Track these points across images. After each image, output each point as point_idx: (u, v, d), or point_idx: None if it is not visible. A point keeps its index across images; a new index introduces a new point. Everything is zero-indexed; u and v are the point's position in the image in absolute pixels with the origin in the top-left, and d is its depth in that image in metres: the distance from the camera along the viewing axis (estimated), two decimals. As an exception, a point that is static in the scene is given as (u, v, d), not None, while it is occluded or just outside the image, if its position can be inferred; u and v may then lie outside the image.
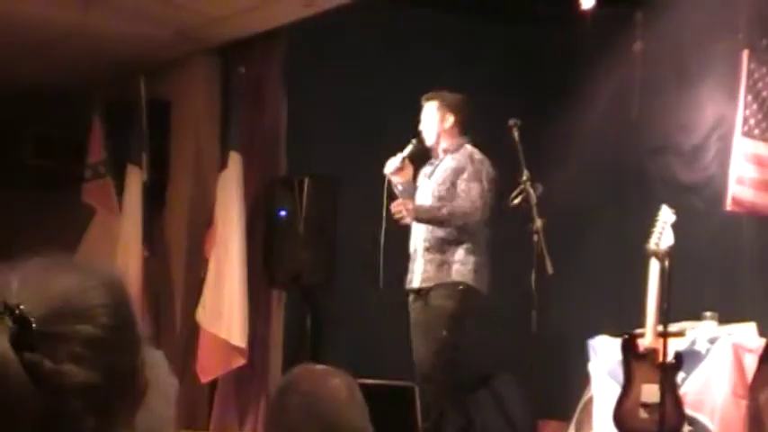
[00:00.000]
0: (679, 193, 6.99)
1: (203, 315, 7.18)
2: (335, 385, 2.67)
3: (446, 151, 6.31)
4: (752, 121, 6.34)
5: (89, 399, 1.14)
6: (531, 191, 5.85)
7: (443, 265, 6.14)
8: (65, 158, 8.24)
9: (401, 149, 6.32)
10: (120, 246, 7.46)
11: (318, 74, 7.33)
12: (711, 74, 7.04)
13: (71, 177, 7.92)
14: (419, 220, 6.21)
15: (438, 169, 6.31)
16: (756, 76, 6.37)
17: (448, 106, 6.32)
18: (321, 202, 7.02)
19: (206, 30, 7.25)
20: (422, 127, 6.34)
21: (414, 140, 6.33)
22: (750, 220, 6.63)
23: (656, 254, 5.59)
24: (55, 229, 7.82)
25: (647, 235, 5.60)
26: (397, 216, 6.16)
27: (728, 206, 6.40)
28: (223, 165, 7.29)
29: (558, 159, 7.62)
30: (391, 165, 6.28)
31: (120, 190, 7.60)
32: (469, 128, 7.44)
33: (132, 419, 1.22)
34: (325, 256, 7.06)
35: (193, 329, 7.28)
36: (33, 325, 1.13)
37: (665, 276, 5.54)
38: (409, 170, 6.36)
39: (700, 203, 6.99)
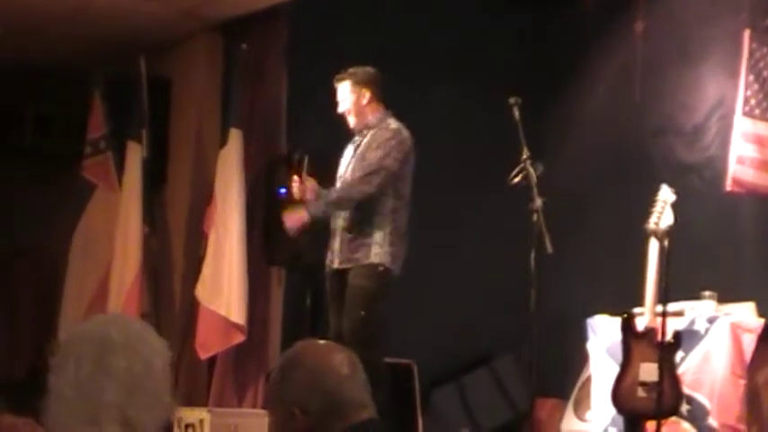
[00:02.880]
0: (680, 172, 6.99)
1: (203, 292, 7.19)
2: (339, 360, 2.68)
3: (368, 127, 6.21)
4: (753, 101, 6.35)
5: None
6: (532, 170, 5.83)
7: (362, 246, 6.05)
8: (65, 137, 8.23)
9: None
10: (120, 222, 7.47)
11: (320, 51, 7.32)
12: (713, 53, 7.03)
13: (71, 156, 7.92)
14: (319, 215, 6.12)
15: (362, 146, 6.21)
16: (757, 55, 6.37)
17: (361, 83, 6.19)
18: (321, 181, 7.01)
19: (208, 7, 7.24)
20: (340, 109, 6.24)
21: (305, 158, 6.23)
22: (750, 200, 6.64)
23: (655, 233, 5.60)
24: (55, 208, 7.83)
25: (647, 214, 5.61)
26: (293, 228, 6.14)
27: (729, 186, 6.41)
28: (223, 141, 7.29)
29: (559, 139, 7.63)
30: (293, 189, 6.21)
31: (121, 166, 7.61)
32: (469, 106, 7.45)
33: None
34: (324, 235, 7.05)
35: (193, 306, 7.29)
36: None
37: (665, 256, 5.55)
38: (311, 183, 6.23)
39: (700, 183, 7.00)
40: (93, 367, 2.21)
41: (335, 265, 6.14)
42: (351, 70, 6.23)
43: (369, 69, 6.25)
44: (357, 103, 6.21)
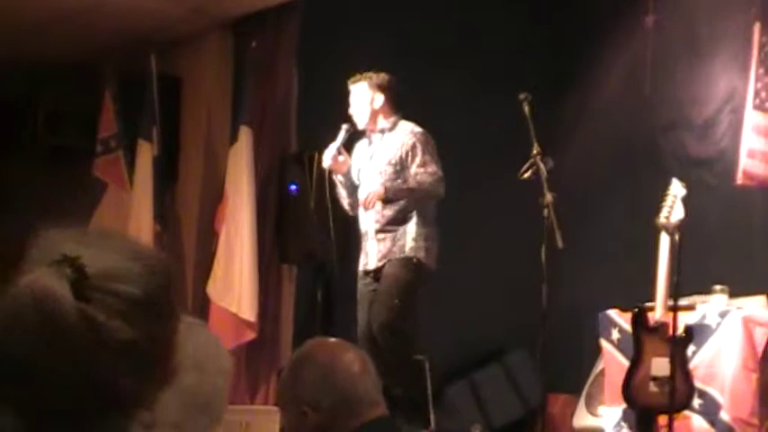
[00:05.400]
0: (690, 167, 6.98)
1: (214, 289, 7.20)
2: (350, 358, 2.69)
3: (383, 131, 6.31)
4: (763, 95, 6.33)
5: (130, 358, 1.20)
6: (542, 165, 5.84)
7: (397, 242, 6.18)
8: (77, 134, 8.25)
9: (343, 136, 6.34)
10: (132, 221, 7.48)
11: (331, 48, 7.32)
12: (723, 47, 7.02)
13: (83, 153, 7.93)
14: (388, 200, 6.21)
15: (379, 150, 6.31)
16: (768, 49, 6.36)
17: (377, 86, 6.30)
18: (332, 178, 7.02)
19: (218, 5, 7.24)
20: (352, 110, 6.32)
21: (344, 127, 6.32)
22: (761, 194, 6.63)
23: (666, 228, 5.58)
24: (66, 203, 7.84)
25: (657, 209, 5.60)
26: (369, 206, 6.19)
27: (739, 180, 6.39)
28: (233, 139, 7.30)
29: (569, 134, 7.62)
30: (328, 157, 6.28)
31: (132, 165, 7.62)
32: (480, 102, 7.43)
33: (155, 399, 1.24)
34: (336, 232, 7.06)
35: (204, 303, 7.30)
36: (89, 278, 1.19)
37: (676, 250, 5.54)
38: (346, 158, 6.38)
39: (711, 177, 6.98)
40: None
41: (371, 266, 6.22)
42: (366, 73, 6.30)
43: (385, 75, 6.33)
44: (370, 106, 6.29)
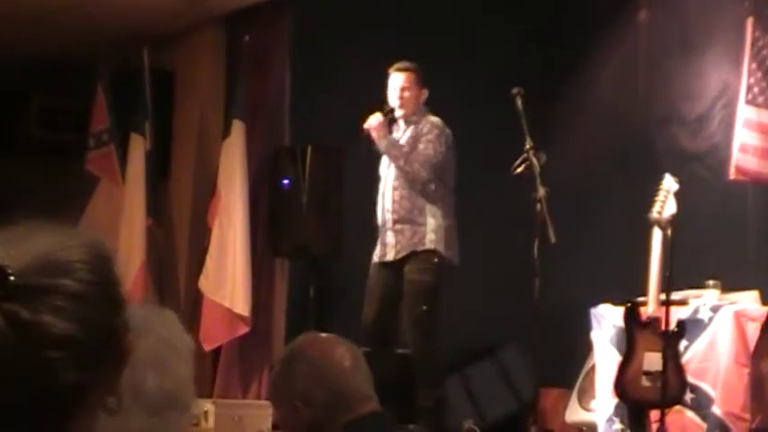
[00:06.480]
0: (683, 161, 6.99)
1: (206, 284, 7.20)
2: (341, 353, 2.69)
3: (409, 122, 6.37)
4: (756, 89, 6.33)
5: (68, 351, 1.16)
6: (535, 160, 5.83)
7: (415, 234, 6.20)
8: (69, 128, 8.23)
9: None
10: (124, 215, 7.48)
11: (324, 44, 7.31)
12: (716, 42, 7.02)
13: (76, 147, 7.92)
14: (386, 147, 6.28)
15: (401, 140, 6.36)
16: (761, 43, 6.36)
17: (423, 82, 6.40)
18: (325, 172, 7.02)
19: (212, -2, 7.25)
20: (397, 95, 6.35)
21: (390, 105, 6.37)
22: (754, 189, 6.63)
23: (658, 222, 5.59)
24: (59, 199, 7.83)
25: (650, 204, 5.60)
26: (369, 129, 6.23)
27: (732, 175, 6.39)
28: (226, 133, 7.29)
29: (562, 129, 7.61)
30: (373, 120, 6.29)
31: (124, 159, 7.61)
32: (473, 96, 7.45)
33: (116, 382, 1.23)
34: (329, 226, 7.06)
35: (197, 298, 7.30)
36: (10, 277, 1.15)
37: (668, 245, 5.54)
38: (385, 130, 6.39)
39: (704, 172, 6.98)
40: None
41: (389, 258, 6.23)
42: (410, 64, 6.39)
43: None
44: (417, 97, 6.37)
